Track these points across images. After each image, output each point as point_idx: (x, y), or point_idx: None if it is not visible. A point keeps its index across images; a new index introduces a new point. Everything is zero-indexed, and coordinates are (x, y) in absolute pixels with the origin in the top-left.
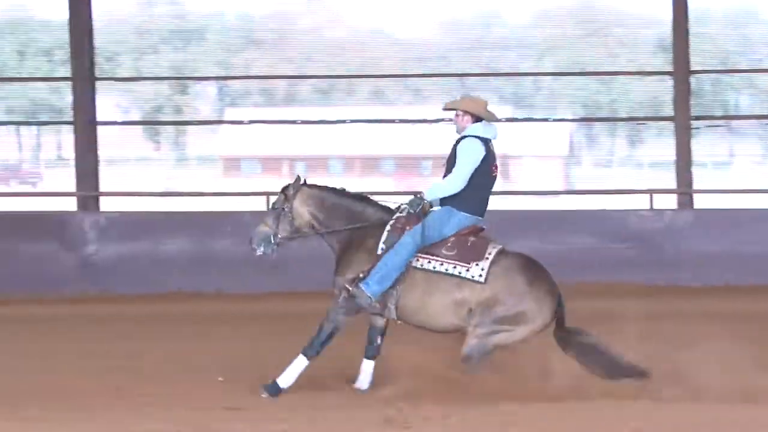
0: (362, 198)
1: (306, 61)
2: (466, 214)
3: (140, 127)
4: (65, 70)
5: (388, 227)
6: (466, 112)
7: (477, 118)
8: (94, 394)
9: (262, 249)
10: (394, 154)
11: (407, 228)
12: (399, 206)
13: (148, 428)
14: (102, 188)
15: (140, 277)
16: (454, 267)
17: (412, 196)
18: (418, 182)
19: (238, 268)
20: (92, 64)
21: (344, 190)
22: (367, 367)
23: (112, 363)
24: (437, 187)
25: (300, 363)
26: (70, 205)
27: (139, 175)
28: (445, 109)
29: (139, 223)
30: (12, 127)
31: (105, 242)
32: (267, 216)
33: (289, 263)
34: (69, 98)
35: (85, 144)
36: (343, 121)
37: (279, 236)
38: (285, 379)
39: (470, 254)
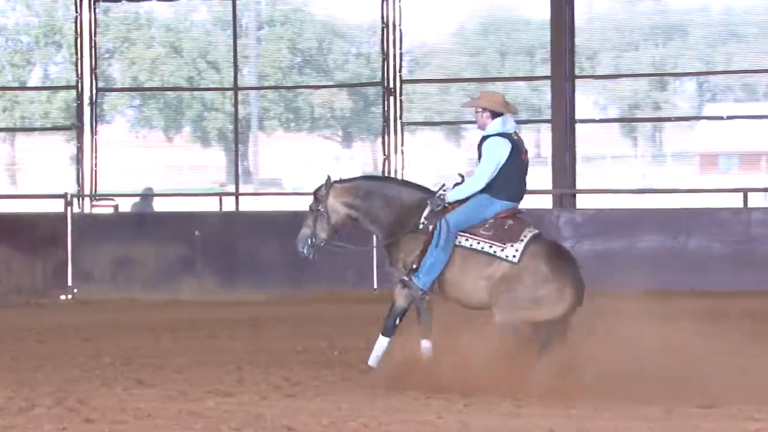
0: (396, 181)
1: None
2: (503, 201)
3: (617, 124)
4: (545, 69)
5: (428, 206)
6: (484, 109)
7: (496, 114)
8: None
9: (302, 249)
10: None
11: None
12: (441, 186)
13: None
14: (578, 186)
15: (614, 274)
16: (490, 246)
17: (435, 192)
18: None
19: (712, 265)
20: (572, 62)
21: (376, 176)
22: (426, 345)
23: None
24: (461, 189)
25: (381, 343)
26: (546, 202)
27: (615, 172)
28: (464, 106)
29: (614, 220)
30: None
31: (580, 239)
32: (306, 218)
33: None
34: (548, 97)
35: (562, 142)
36: None
37: (318, 236)
38: (372, 359)
39: (506, 235)
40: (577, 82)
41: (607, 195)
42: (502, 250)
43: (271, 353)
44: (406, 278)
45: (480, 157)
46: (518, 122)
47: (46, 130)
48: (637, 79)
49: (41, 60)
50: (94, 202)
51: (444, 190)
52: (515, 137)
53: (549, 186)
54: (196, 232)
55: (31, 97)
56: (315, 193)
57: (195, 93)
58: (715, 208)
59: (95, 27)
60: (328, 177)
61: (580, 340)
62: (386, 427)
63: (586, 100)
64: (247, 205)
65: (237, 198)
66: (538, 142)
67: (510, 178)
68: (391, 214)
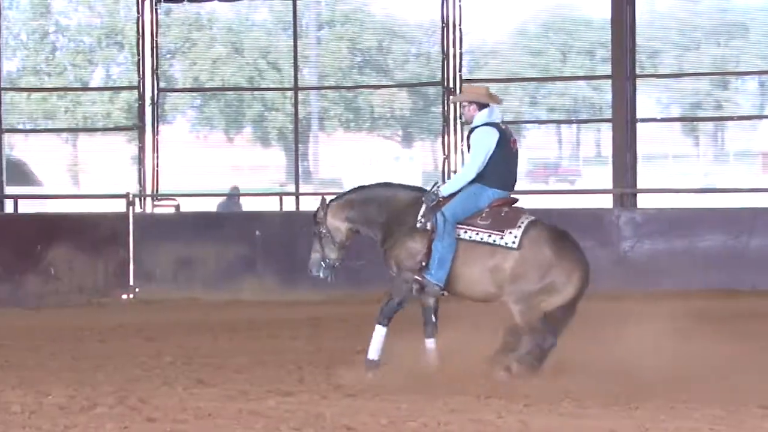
0: (388, 184)
1: None
2: (495, 189)
3: (679, 123)
4: (605, 69)
5: (423, 204)
6: (471, 102)
7: (482, 106)
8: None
9: (317, 273)
10: None
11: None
12: (435, 184)
13: (680, 425)
14: (639, 185)
15: (675, 273)
16: (489, 235)
17: (428, 190)
18: None
19: None
20: (633, 61)
21: (368, 185)
22: (431, 345)
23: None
24: (452, 181)
25: (378, 332)
26: (607, 202)
27: (677, 171)
28: (452, 102)
29: (675, 220)
30: (552, 126)
31: (641, 239)
32: (314, 243)
33: None
34: (609, 96)
35: (623, 141)
36: None
37: (329, 257)
38: (372, 352)
39: (504, 223)
40: (638, 81)
41: (669, 195)
42: (501, 237)
43: (332, 353)
44: (420, 278)
45: (469, 148)
46: (579, 122)
47: (108, 131)
48: (699, 78)
49: (103, 61)
50: (155, 202)
51: (437, 187)
52: (503, 126)
53: (609, 185)
54: (257, 232)
55: (93, 97)
56: (314, 217)
57: (255, 93)
58: None
59: (157, 28)
60: (323, 198)
61: (637, 340)
62: (446, 427)
63: (648, 100)
64: (308, 204)
65: (297, 198)
66: (599, 141)
67: (500, 167)
68: (386, 216)
